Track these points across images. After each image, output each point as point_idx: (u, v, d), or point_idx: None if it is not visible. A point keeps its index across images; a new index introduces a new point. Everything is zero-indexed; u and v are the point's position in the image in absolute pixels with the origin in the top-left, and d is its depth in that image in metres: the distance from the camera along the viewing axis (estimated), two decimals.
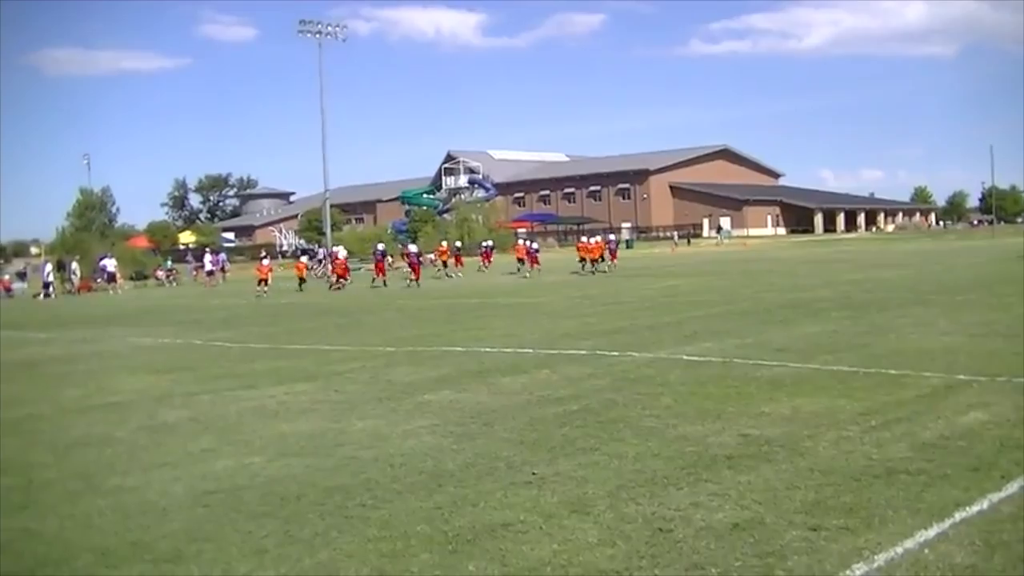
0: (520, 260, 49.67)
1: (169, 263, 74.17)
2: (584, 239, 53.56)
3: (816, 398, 10.57)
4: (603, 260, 48.75)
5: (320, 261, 64.71)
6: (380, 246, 50.64)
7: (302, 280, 45.92)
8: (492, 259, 60.73)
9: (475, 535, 6.47)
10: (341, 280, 45.53)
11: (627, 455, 8.39)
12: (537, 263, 49.05)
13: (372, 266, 48.79)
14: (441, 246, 55.12)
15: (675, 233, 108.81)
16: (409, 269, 45.32)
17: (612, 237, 56.68)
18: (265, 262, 47.26)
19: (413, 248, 48.10)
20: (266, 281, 43.71)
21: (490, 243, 66.21)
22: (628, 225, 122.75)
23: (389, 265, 49.60)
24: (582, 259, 48.61)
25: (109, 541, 6.79)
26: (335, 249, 50.58)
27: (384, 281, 44.41)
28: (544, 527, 6.56)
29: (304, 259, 56.76)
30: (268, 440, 10.01)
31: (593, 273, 45.90)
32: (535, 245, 52.82)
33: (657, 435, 9.13)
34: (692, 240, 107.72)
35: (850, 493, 6.91)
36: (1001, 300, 21.08)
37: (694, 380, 12.21)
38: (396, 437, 9.80)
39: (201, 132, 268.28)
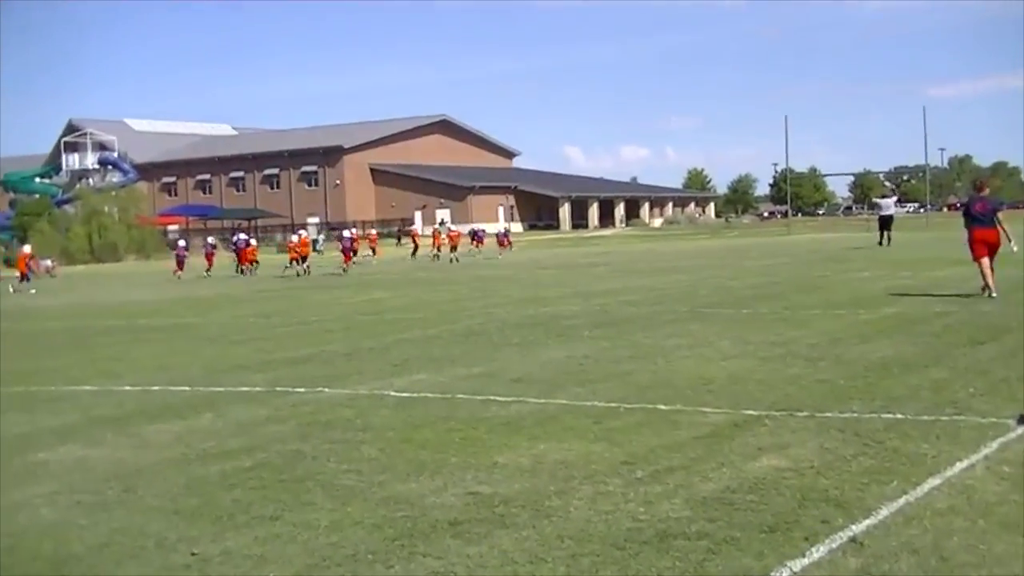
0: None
1: None
2: (437, 227, 75.17)
3: (565, 443, 10.75)
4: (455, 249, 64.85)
5: None
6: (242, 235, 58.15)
7: None
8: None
9: None
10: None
11: (319, 524, 8.32)
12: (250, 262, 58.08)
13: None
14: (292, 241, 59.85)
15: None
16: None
17: (478, 228, 77.60)
18: None
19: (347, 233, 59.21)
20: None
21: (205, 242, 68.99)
22: (315, 220, 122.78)
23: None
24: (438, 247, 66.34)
25: None
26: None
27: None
28: None
29: None
30: None
31: (453, 261, 60.28)
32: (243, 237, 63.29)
33: (359, 496, 9.11)
34: (403, 239, 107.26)
35: (613, 565, 7.02)
36: (798, 313, 22.02)
37: (406, 423, 12.27)
38: (3, 511, 9.40)
39: None
